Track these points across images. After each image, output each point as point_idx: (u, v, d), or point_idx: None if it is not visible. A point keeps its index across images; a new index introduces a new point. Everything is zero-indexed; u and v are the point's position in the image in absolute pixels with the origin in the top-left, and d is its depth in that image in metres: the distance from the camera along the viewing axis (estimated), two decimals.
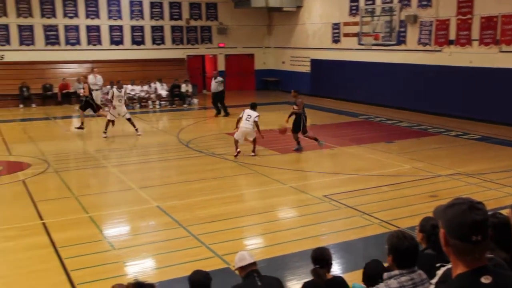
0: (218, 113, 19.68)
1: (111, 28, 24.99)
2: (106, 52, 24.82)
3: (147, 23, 25.76)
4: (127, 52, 25.26)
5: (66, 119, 19.58)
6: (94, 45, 24.69)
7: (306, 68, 26.05)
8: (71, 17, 24.05)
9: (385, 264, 3.78)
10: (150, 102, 22.79)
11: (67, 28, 24.06)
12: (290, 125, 13.40)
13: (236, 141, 12.66)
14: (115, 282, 4.13)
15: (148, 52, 25.69)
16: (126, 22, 25.29)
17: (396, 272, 3.13)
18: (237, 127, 12.81)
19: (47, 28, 23.68)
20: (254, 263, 4.47)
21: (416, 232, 3.98)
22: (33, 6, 23.32)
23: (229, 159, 12.58)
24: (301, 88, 25.67)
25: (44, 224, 8.17)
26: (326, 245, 6.81)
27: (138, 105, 22.47)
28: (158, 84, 23.28)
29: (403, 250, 3.15)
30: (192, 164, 12.48)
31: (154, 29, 25.96)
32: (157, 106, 22.71)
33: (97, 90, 19.95)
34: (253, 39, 28.28)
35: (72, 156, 13.51)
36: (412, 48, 19.69)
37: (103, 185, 11.03)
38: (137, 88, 22.86)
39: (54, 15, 23.72)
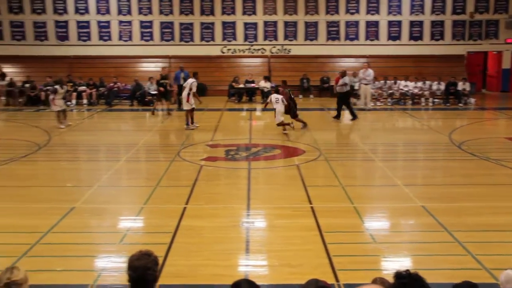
0: (338, 116, 17.73)
1: (390, 24, 25.16)
2: (382, 47, 25.15)
3: (427, 18, 25.14)
4: (403, 48, 25.14)
5: None
6: (372, 40, 25.25)
7: None
8: (352, 13, 25.08)
9: None
10: (423, 99, 22.25)
11: (348, 24, 25.14)
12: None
13: (281, 121, 15.08)
14: (374, 276, 4.18)
15: (424, 47, 25.11)
16: (406, 17, 25.14)
17: None
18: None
19: (330, 24, 25.14)
20: None
21: None
22: (319, 5, 25.00)
23: (507, 166, 11.48)
24: None
25: (312, 208, 8.76)
26: None
27: (410, 102, 22.18)
28: (434, 82, 22.54)
29: None
30: (463, 167, 11.79)
31: (433, 24, 25.18)
32: (430, 104, 22.04)
33: (366, 84, 20.25)
34: None
35: (341, 146, 14.09)
36: None
37: (369, 177, 11.25)
38: (411, 84, 22.54)
39: (337, 12, 25.05)
